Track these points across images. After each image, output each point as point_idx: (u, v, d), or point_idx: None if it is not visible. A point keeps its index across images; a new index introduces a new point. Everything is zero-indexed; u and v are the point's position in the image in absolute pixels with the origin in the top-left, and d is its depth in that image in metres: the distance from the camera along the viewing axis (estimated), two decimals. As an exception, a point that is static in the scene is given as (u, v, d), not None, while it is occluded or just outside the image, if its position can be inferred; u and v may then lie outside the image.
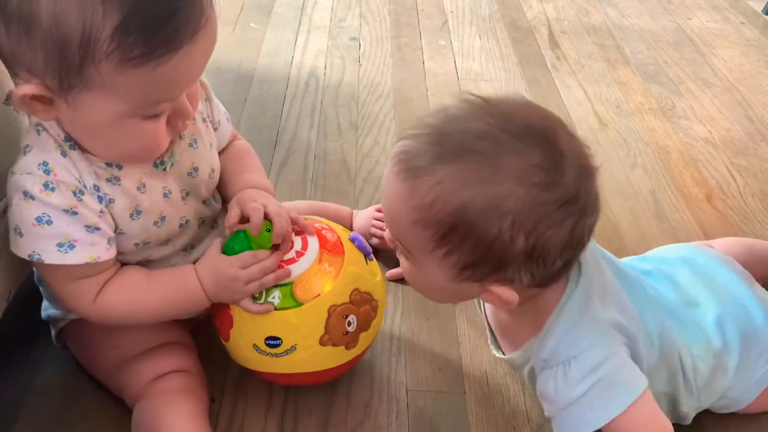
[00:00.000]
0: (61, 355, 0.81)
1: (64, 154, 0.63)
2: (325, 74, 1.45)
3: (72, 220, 0.63)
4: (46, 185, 0.62)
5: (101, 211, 0.65)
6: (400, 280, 0.92)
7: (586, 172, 0.59)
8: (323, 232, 0.75)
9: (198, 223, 0.76)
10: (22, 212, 0.62)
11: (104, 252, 0.66)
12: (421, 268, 0.63)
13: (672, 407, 0.74)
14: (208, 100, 0.76)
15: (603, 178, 0.62)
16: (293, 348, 0.70)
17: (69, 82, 0.56)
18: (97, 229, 0.65)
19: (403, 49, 1.58)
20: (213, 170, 0.75)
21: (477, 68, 1.52)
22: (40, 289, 0.79)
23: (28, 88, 0.57)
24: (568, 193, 0.57)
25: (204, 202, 0.76)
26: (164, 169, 0.69)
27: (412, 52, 1.57)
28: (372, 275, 0.75)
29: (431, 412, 0.79)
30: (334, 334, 0.70)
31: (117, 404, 0.75)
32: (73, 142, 0.64)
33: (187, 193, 0.73)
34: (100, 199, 0.65)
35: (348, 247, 0.75)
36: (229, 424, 0.76)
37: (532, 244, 0.57)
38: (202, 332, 0.82)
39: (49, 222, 0.62)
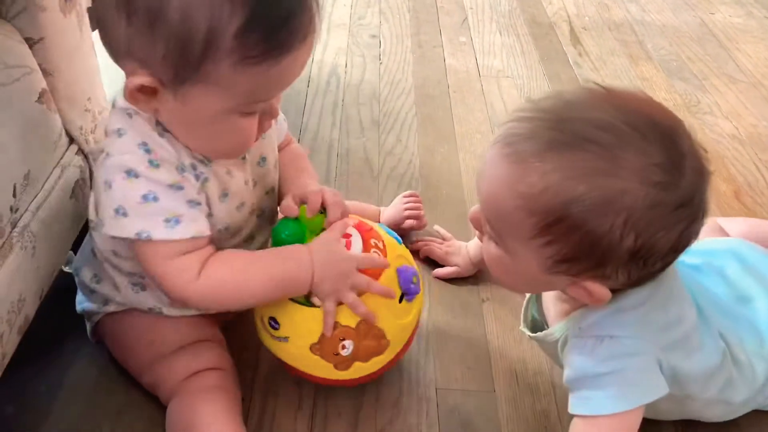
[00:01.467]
0: (93, 351, 0.81)
1: (161, 134, 0.65)
2: (346, 72, 1.44)
3: (177, 195, 0.64)
4: (151, 162, 0.63)
5: (199, 190, 0.66)
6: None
7: (702, 175, 0.58)
8: (373, 250, 0.71)
9: (258, 213, 0.76)
10: (126, 192, 0.63)
11: (206, 227, 0.66)
12: (512, 254, 0.61)
13: (725, 406, 0.72)
14: None
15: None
16: (287, 338, 0.70)
17: (184, 76, 0.58)
18: (198, 204, 0.66)
19: (424, 47, 1.57)
20: (276, 161, 0.76)
21: (498, 65, 1.51)
22: (76, 280, 0.79)
23: (141, 79, 0.59)
24: (685, 195, 0.56)
25: (267, 192, 0.76)
26: (243, 158, 0.71)
27: (432, 49, 1.56)
28: (397, 316, 0.71)
29: (461, 411, 0.78)
30: (324, 349, 0.69)
31: (149, 401, 0.75)
32: (162, 128, 0.65)
33: (255, 183, 0.74)
34: (197, 177, 0.66)
35: (388, 276, 0.70)
36: (259, 423, 0.76)
37: (640, 244, 0.56)
38: (233, 330, 0.82)
39: (156, 198, 0.63)
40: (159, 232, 0.63)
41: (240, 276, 0.67)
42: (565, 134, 0.55)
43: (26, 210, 0.67)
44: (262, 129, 0.66)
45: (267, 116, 0.66)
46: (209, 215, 0.68)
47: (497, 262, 0.64)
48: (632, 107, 0.57)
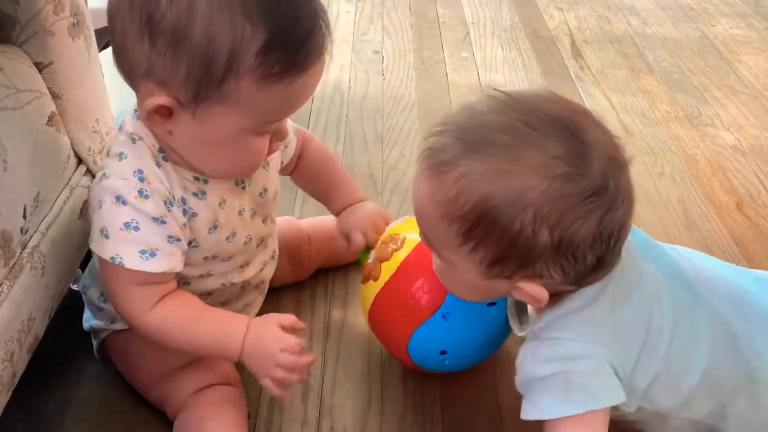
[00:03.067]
0: (100, 368, 0.82)
1: (158, 164, 0.66)
2: (349, 88, 1.46)
3: (158, 230, 0.65)
4: (140, 192, 0.64)
5: (184, 224, 0.68)
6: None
7: (614, 163, 0.58)
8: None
9: (257, 242, 0.77)
10: (112, 216, 0.64)
11: (179, 263, 0.68)
12: (451, 265, 0.63)
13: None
14: None
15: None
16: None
17: (205, 96, 0.59)
18: (178, 240, 0.67)
19: (426, 62, 1.59)
20: (276, 192, 0.79)
21: (500, 79, 1.52)
22: (84, 298, 0.81)
23: (161, 99, 0.60)
24: (593, 184, 0.56)
25: (264, 221, 0.78)
26: (243, 188, 0.72)
27: (435, 64, 1.58)
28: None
29: (466, 424, 0.79)
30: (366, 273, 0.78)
31: (156, 418, 0.76)
32: (165, 155, 0.66)
33: (254, 213, 0.75)
34: (185, 213, 0.67)
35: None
36: (265, 438, 0.77)
37: (557, 237, 0.57)
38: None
39: (137, 228, 0.64)
40: (132, 260, 0.65)
41: (184, 326, 0.68)
42: (471, 141, 0.58)
43: (36, 231, 0.68)
44: (270, 149, 0.68)
45: (276, 137, 0.67)
46: (195, 245, 0.69)
47: (444, 274, 0.67)
48: (531, 107, 0.59)
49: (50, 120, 0.70)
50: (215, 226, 0.70)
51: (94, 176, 0.79)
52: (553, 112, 0.58)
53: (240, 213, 0.73)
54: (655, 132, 1.37)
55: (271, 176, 0.77)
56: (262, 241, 0.79)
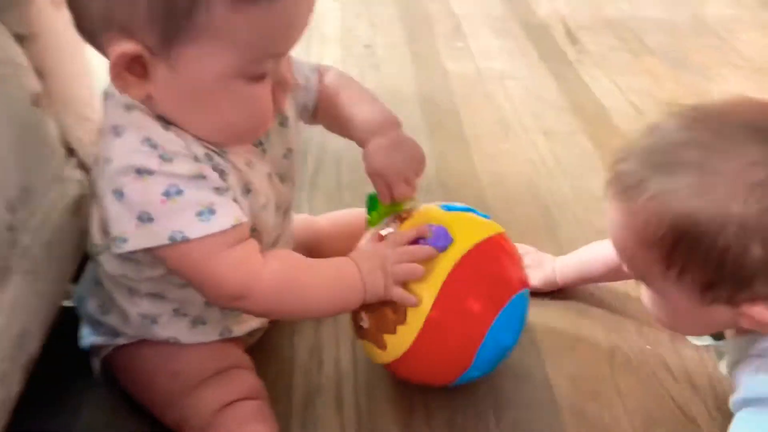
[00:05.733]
0: (103, 392, 0.72)
1: (165, 127, 0.56)
2: (343, 83, 1.38)
3: (202, 185, 0.56)
4: (162, 157, 0.55)
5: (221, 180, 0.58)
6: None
7: None
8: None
9: (285, 210, 0.68)
10: (144, 193, 0.54)
11: (242, 214, 0.58)
12: (662, 295, 0.59)
13: None
14: None
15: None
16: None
17: (174, 33, 0.50)
18: (227, 190, 0.57)
19: (421, 54, 1.52)
20: (299, 149, 0.69)
21: (500, 67, 1.46)
22: (79, 313, 0.71)
23: (125, 47, 0.51)
24: None
25: (291, 187, 0.69)
26: (263, 150, 0.63)
27: (430, 56, 1.51)
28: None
29: (524, 427, 0.70)
30: (354, 326, 0.68)
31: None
32: (165, 121, 0.57)
33: (282, 179, 0.66)
34: (215, 169, 0.58)
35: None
36: (300, 457, 0.67)
37: None
38: (259, 354, 0.73)
39: (179, 192, 0.54)
40: (194, 229, 0.55)
41: (308, 268, 0.61)
42: (656, 162, 0.55)
43: (25, 229, 0.58)
44: (277, 104, 0.58)
45: (280, 87, 0.58)
46: None
47: (658, 308, 0.62)
48: (719, 116, 0.55)
49: (35, 101, 0.60)
50: (248, 190, 0.61)
51: (87, 170, 0.69)
52: (746, 117, 0.54)
53: (270, 178, 0.64)
54: (665, 110, 1.31)
55: (292, 134, 0.67)
56: (287, 212, 0.70)
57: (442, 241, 0.65)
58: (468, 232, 0.66)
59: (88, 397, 0.72)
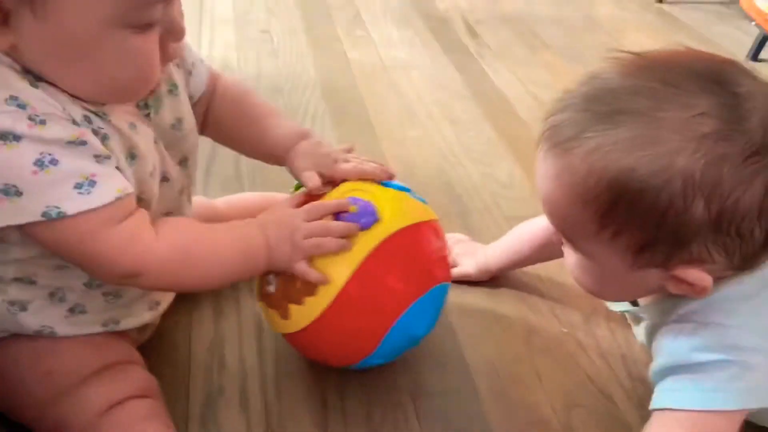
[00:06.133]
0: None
1: (33, 84, 0.48)
2: (239, 67, 1.30)
3: (80, 152, 0.48)
4: (32, 118, 0.46)
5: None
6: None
7: None
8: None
9: (178, 189, 0.61)
10: (10, 162, 0.46)
11: (128, 183, 0.51)
12: (592, 259, 0.54)
13: None
14: None
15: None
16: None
17: None
18: (108, 158, 0.50)
19: (320, 40, 1.46)
20: (194, 126, 0.62)
21: (403, 56, 1.43)
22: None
23: None
24: (754, 142, 0.48)
25: (180, 162, 0.61)
26: (147, 115, 0.56)
27: (330, 42, 1.46)
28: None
29: (444, 416, 0.66)
30: (260, 292, 0.63)
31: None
32: (33, 77, 0.48)
33: (170, 152, 0.59)
34: (96, 133, 0.50)
35: None
36: (202, 461, 0.59)
37: (716, 210, 0.48)
38: (151, 351, 0.65)
39: (54, 162, 0.47)
40: (72, 203, 0.47)
41: (206, 239, 0.55)
42: (600, 111, 0.51)
43: None
44: (166, 55, 0.52)
45: (170, 36, 0.51)
46: None
47: (584, 272, 0.57)
48: (665, 63, 0.52)
49: None
50: (133, 156, 0.53)
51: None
52: (694, 65, 0.50)
53: (156, 143, 0.57)
54: (565, 102, 1.33)
55: (183, 105, 0.60)
56: (183, 191, 0.63)
57: (367, 217, 0.60)
58: (398, 214, 0.62)
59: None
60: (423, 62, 1.42)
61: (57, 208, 0.47)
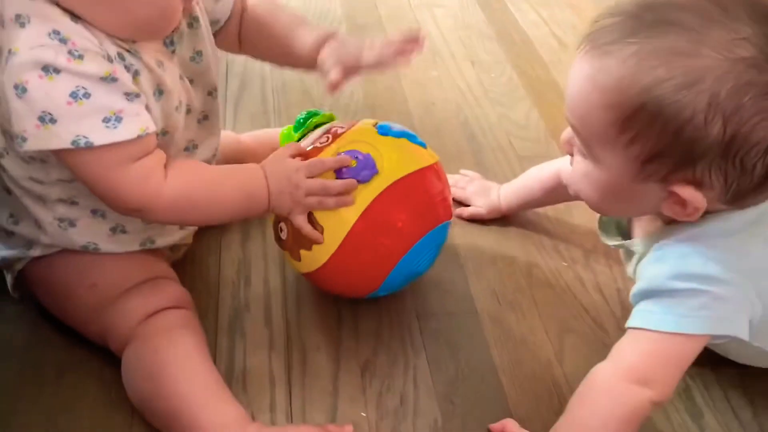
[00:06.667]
0: (19, 308, 0.69)
1: (74, 20, 0.53)
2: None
3: (111, 89, 0.53)
4: (71, 53, 0.52)
5: (133, 82, 0.56)
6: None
7: None
8: (319, 143, 0.68)
9: (200, 117, 0.66)
10: (49, 92, 0.51)
11: (151, 123, 0.56)
12: (600, 164, 0.57)
13: None
14: None
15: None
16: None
17: None
18: (137, 96, 0.55)
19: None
20: (216, 57, 0.67)
21: (428, -6, 1.44)
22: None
23: None
24: None
25: (209, 93, 0.67)
26: (173, 51, 0.61)
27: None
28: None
29: (446, 335, 0.73)
30: (276, 236, 0.69)
31: (97, 356, 0.65)
32: (72, 14, 0.53)
33: (192, 81, 0.64)
34: (128, 69, 0.55)
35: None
36: (229, 366, 0.67)
37: (730, 133, 0.50)
38: (184, 269, 0.72)
39: (87, 95, 0.52)
40: (99, 135, 0.53)
41: (210, 185, 0.60)
42: (646, 20, 0.53)
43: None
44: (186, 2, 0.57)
45: None
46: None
47: (588, 181, 0.60)
48: None
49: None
50: (160, 92, 0.59)
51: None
52: None
53: (181, 78, 0.62)
54: (588, 44, 1.34)
55: (202, 38, 0.65)
56: (206, 118, 0.68)
57: (367, 170, 0.64)
58: (396, 164, 0.66)
59: (5, 314, 0.69)
60: (448, 1, 1.43)
61: (86, 138, 0.53)
